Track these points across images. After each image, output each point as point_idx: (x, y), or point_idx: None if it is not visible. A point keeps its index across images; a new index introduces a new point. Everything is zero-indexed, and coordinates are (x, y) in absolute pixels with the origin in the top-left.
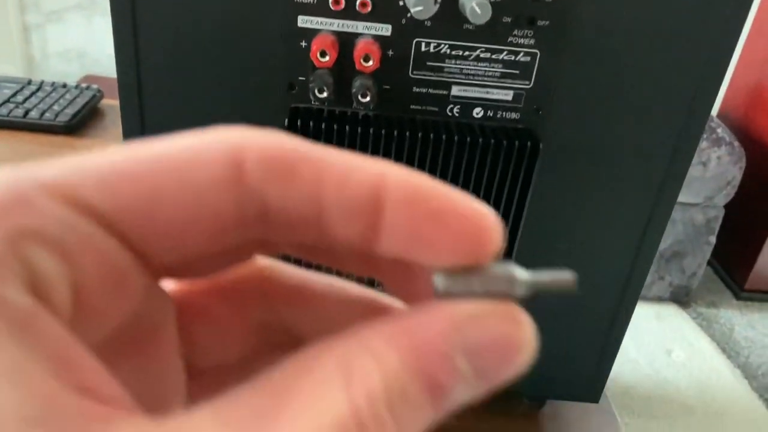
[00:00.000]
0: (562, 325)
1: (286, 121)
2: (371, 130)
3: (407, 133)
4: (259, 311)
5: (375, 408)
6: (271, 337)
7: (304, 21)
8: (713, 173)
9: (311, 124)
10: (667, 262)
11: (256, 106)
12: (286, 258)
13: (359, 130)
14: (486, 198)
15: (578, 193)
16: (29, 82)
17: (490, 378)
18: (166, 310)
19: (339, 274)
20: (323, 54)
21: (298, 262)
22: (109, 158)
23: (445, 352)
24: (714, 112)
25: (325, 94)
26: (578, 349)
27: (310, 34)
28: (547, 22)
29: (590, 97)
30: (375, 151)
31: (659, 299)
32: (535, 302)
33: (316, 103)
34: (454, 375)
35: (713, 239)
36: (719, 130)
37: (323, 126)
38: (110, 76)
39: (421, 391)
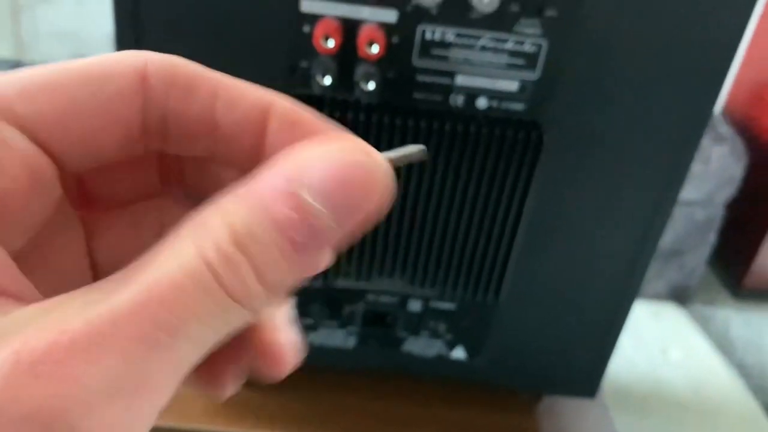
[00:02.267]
0: (560, 320)
1: None
2: (373, 119)
3: (410, 123)
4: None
5: (225, 252)
6: None
7: (308, 5)
8: (714, 170)
9: None
10: (666, 260)
11: None
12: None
13: (361, 118)
14: (488, 188)
15: (580, 187)
16: (18, 64)
17: (350, 212)
18: (74, 224)
19: None
20: (327, 39)
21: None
22: (29, 72)
23: (289, 190)
24: (717, 109)
25: (328, 81)
26: (576, 345)
27: (314, 18)
28: (556, 13)
29: (596, 91)
30: (377, 140)
31: (657, 297)
32: (534, 298)
33: (317, 90)
34: (305, 211)
35: (713, 237)
36: (722, 128)
37: (324, 114)
38: None
39: (270, 229)
